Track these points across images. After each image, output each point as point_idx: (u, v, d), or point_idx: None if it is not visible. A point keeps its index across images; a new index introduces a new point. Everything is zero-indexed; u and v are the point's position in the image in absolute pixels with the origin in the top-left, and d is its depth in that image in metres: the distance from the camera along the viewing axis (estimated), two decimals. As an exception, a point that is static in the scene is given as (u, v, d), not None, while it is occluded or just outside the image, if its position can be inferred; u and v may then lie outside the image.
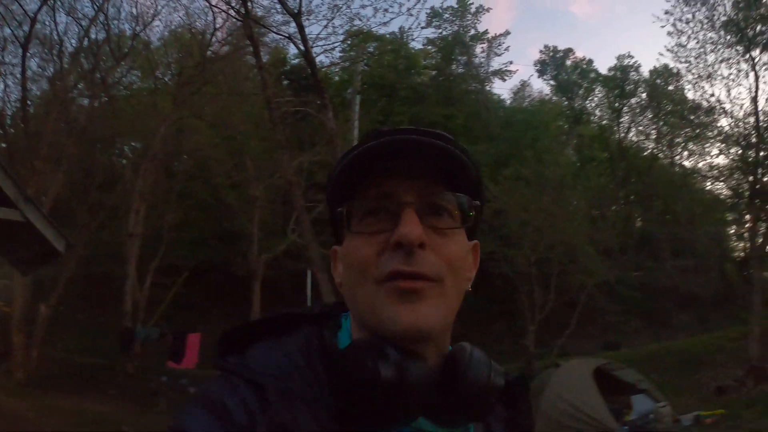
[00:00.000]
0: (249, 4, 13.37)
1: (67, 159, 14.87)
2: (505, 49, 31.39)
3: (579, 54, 37.85)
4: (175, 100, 17.17)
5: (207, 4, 14.88)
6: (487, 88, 30.66)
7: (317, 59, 12.95)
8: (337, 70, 23.29)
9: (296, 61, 23.29)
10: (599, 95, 31.20)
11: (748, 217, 17.88)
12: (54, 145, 14.35)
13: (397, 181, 0.69)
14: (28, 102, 15.80)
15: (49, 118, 14.49)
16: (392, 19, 15.00)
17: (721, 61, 16.51)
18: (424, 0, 13.06)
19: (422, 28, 27.46)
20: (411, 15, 14.62)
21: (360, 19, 13.84)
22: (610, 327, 20.90)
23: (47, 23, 15.48)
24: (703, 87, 17.51)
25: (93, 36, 16.63)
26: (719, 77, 16.84)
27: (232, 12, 13.89)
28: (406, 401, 0.63)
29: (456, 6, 28.37)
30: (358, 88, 16.20)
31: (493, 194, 15.81)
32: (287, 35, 13.34)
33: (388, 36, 27.40)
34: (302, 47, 12.34)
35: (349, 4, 13.37)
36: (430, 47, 29.41)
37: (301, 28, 12.16)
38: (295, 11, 12.06)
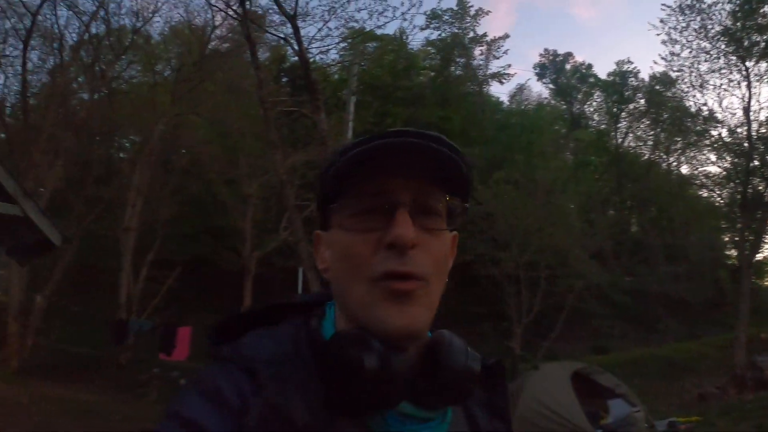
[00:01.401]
0: (247, 3, 13.75)
1: (66, 152, 15.25)
2: (504, 52, 31.65)
3: (579, 58, 38.17)
4: (173, 96, 17.54)
5: (206, 1, 15.18)
6: (485, 90, 31.02)
7: (316, 59, 13.30)
8: (334, 70, 23.62)
9: (295, 58, 23.62)
10: (598, 100, 31.54)
11: (739, 225, 18.22)
12: (53, 137, 14.73)
13: (392, 181, 0.71)
14: (28, 94, 16.16)
15: (48, 110, 14.87)
16: (387, 22, 15.33)
17: (714, 71, 16.84)
18: (419, 5, 13.35)
19: (421, 29, 27.72)
20: (405, 19, 15.00)
21: (356, 22, 14.23)
22: (599, 331, 21.15)
23: (48, 16, 15.81)
24: (695, 96, 17.82)
25: (94, 30, 17.03)
26: (712, 87, 17.18)
27: (230, 11, 14.25)
28: (389, 388, 0.67)
29: (456, 8, 28.67)
30: (354, 89, 16.46)
31: (483, 198, 16.06)
32: (283, 36, 13.55)
33: (389, 35, 28.04)
34: (297, 48, 12.63)
35: (345, 7, 13.64)
36: (430, 48, 29.72)
37: (296, 30, 12.45)
38: (291, 13, 12.40)
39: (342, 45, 16.31)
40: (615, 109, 30.01)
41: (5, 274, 14.55)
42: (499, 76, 30.00)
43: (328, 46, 13.70)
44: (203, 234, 20.87)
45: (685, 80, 17.65)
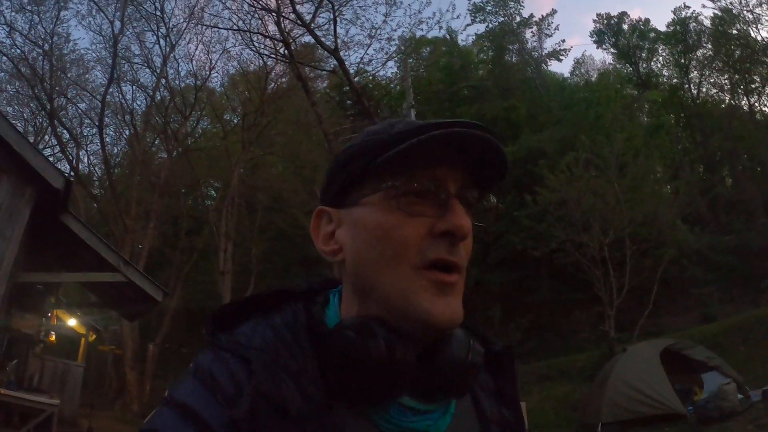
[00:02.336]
0: (292, 44, 14.66)
1: (155, 212, 16.85)
2: (555, 29, 31.16)
3: (634, 15, 36.48)
4: (243, 142, 18.83)
5: (255, 51, 16.29)
6: (545, 71, 30.56)
7: (375, 76, 13.94)
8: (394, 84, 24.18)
9: (357, 79, 24.17)
10: (663, 54, 30.14)
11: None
12: (141, 201, 16.35)
13: (443, 169, 0.71)
14: (112, 166, 17.97)
15: (132, 177, 16.50)
16: (426, 32, 15.79)
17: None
18: (452, 9, 13.72)
19: (467, 25, 27.90)
20: (440, 27, 15.36)
21: (395, 41, 14.86)
22: (705, 298, 19.98)
23: (115, 95, 17.52)
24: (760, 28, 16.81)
25: (159, 97, 18.68)
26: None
27: (279, 56, 15.23)
28: (392, 379, 0.66)
29: (495, -3, 28.55)
30: (411, 102, 16.79)
31: (556, 184, 16.00)
32: (331, 69, 14.11)
33: (439, 38, 28.35)
34: (345, 78, 13.30)
35: (382, 30, 14.24)
36: (482, 41, 29.78)
37: (341, 62, 13.16)
38: (333, 47, 13.12)
39: (395, 58, 16.99)
40: (683, 60, 28.56)
41: (119, 329, 16.26)
42: (556, 54, 29.56)
43: (374, 70, 14.30)
44: (295, 266, 21.94)
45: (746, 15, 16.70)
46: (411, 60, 31.22)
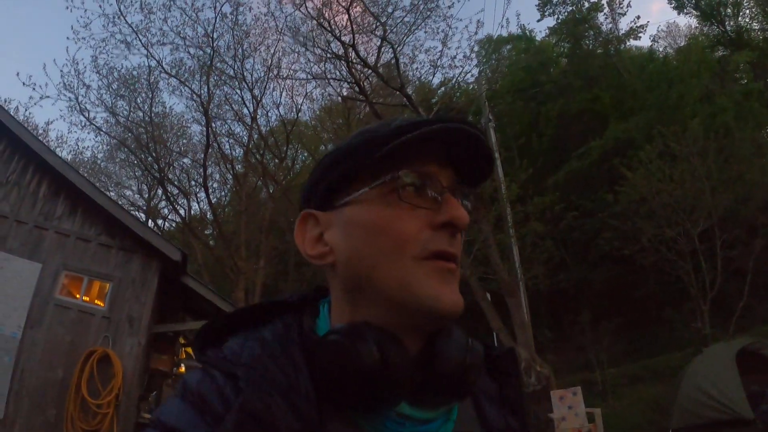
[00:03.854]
0: (365, 82, 16.22)
1: (264, 251, 19.13)
2: (628, 5, 30.01)
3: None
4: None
5: (340, 97, 18.11)
6: (631, 49, 29.75)
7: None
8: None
9: (441, 89, 24.95)
10: (751, 7, 27.77)
11: None
12: (250, 243, 18.70)
13: (436, 166, 0.73)
14: (219, 213, 20.47)
15: (239, 222, 18.91)
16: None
17: None
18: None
19: (537, 21, 28.02)
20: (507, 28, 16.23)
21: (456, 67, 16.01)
22: None
23: (215, 148, 19.94)
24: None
25: (255, 138, 20.85)
26: None
27: (357, 96, 16.85)
28: (386, 386, 0.65)
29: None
30: (489, 117, 17.23)
31: (633, 183, 15.96)
32: (402, 103, 15.21)
33: (514, 35, 28.69)
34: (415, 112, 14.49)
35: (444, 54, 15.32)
36: (556, 34, 29.76)
37: (408, 98, 14.42)
38: (399, 86, 14.46)
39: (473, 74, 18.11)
40: (771, 8, 26.04)
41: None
42: (634, 33, 28.64)
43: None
44: None
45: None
46: (493, 59, 32.02)
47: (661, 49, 31.65)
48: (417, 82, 18.76)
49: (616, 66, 27.82)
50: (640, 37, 28.25)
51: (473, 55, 18.12)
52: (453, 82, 18.17)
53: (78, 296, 8.07)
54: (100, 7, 24.10)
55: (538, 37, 31.60)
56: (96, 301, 8.27)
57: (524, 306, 13.17)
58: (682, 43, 31.14)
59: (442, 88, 23.35)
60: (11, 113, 10.45)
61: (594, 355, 15.68)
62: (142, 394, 8.56)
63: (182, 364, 12.87)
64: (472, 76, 17.95)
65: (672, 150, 15.92)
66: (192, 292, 9.57)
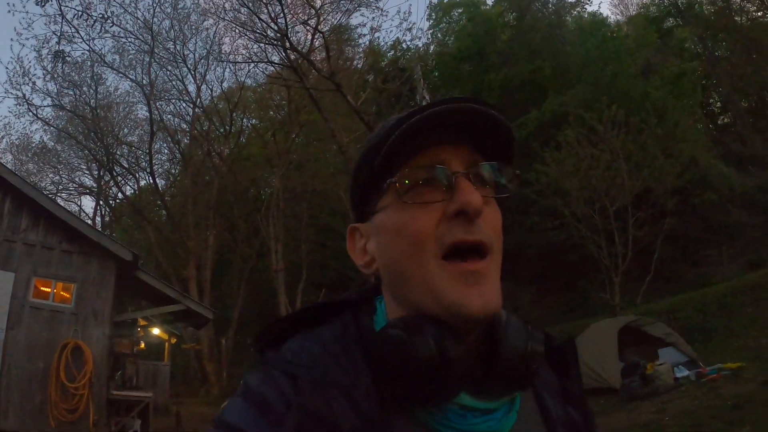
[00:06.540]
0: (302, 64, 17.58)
1: (213, 227, 20.93)
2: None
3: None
4: (279, 152, 22.21)
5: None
6: (579, 19, 31.13)
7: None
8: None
9: (391, 53, 25.88)
10: None
11: None
12: (199, 223, 20.49)
13: (443, 150, 0.72)
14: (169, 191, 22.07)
15: (186, 205, 20.66)
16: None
17: None
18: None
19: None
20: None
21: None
22: (752, 243, 20.08)
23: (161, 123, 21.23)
24: None
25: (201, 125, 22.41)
26: None
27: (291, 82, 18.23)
28: (445, 378, 0.65)
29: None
30: (424, 95, 18.45)
31: (552, 160, 17.66)
32: (334, 89, 16.39)
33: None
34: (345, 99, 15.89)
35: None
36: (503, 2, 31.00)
37: (337, 86, 15.51)
38: (328, 74, 15.89)
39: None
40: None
41: (196, 331, 20.76)
42: (579, 4, 30.10)
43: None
44: (342, 255, 24.94)
45: None
46: (443, 24, 33.27)
47: (611, 17, 32.30)
48: (361, 54, 19.56)
49: (560, 37, 29.09)
50: (586, 7, 29.41)
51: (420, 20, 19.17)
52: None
53: (48, 298, 9.92)
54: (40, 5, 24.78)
55: (485, 6, 32.69)
56: (64, 301, 10.13)
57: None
58: (634, 13, 32.57)
59: (392, 52, 24.78)
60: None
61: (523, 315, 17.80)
62: (110, 374, 10.55)
63: (142, 342, 14.93)
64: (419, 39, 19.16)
65: (595, 130, 17.48)
66: (146, 285, 11.48)
